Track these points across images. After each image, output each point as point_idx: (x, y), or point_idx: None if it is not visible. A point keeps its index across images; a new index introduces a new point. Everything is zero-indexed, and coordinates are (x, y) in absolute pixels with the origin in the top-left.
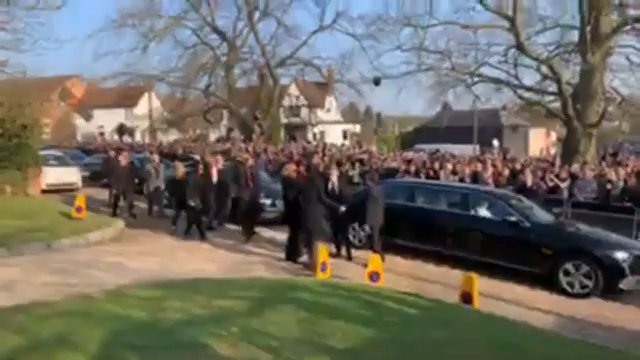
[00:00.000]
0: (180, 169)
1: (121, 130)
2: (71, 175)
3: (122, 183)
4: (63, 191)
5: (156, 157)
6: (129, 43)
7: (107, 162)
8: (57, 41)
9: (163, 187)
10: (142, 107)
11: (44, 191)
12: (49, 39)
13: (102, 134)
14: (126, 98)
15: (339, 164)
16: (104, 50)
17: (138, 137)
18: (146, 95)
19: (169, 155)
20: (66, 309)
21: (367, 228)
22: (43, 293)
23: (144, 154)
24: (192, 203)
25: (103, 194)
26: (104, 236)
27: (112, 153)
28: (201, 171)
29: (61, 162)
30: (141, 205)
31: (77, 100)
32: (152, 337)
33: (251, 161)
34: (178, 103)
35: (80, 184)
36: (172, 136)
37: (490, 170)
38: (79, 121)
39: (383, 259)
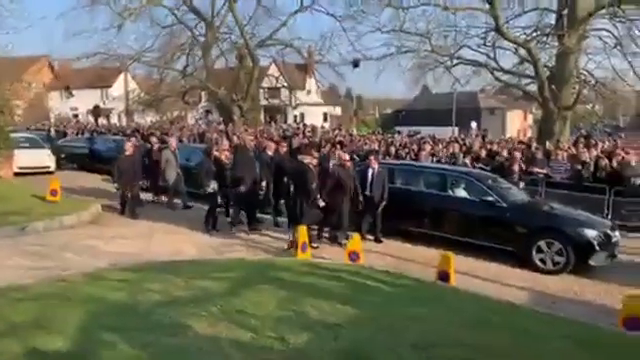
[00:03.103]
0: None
1: (96, 112)
2: (44, 158)
3: (127, 176)
4: (36, 174)
5: (174, 141)
6: (103, 22)
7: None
8: (27, 19)
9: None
10: (118, 88)
11: (16, 174)
12: (19, 17)
13: (76, 116)
14: (101, 79)
15: (319, 147)
16: (76, 29)
17: (114, 119)
18: (122, 76)
19: (146, 137)
20: (41, 292)
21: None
22: (17, 276)
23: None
24: (210, 190)
25: (81, 178)
26: (80, 219)
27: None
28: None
29: (33, 144)
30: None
31: (57, 78)
32: (131, 319)
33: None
34: (155, 84)
35: (54, 167)
36: (149, 118)
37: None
38: (52, 103)
39: (381, 241)
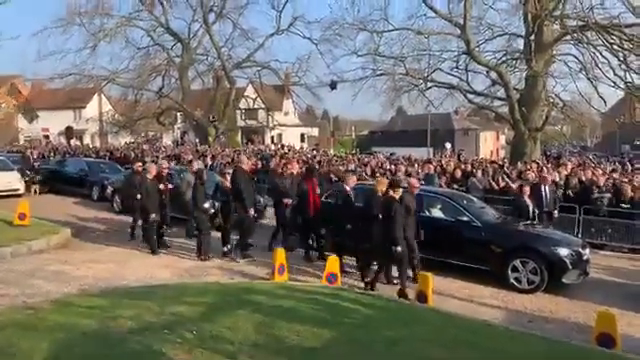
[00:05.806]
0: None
1: (69, 133)
2: (13, 180)
3: (154, 200)
4: (4, 197)
5: (196, 163)
6: (77, 43)
7: (132, 177)
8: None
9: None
10: (92, 109)
11: None
12: None
13: (47, 137)
14: (74, 99)
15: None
16: (50, 49)
17: (87, 140)
18: (96, 97)
19: (121, 159)
20: (6, 320)
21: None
22: None
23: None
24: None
25: (52, 201)
26: (49, 244)
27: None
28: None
29: (2, 167)
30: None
31: (24, 98)
32: (103, 347)
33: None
34: (130, 105)
35: (23, 189)
36: (123, 139)
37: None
38: (22, 123)
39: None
